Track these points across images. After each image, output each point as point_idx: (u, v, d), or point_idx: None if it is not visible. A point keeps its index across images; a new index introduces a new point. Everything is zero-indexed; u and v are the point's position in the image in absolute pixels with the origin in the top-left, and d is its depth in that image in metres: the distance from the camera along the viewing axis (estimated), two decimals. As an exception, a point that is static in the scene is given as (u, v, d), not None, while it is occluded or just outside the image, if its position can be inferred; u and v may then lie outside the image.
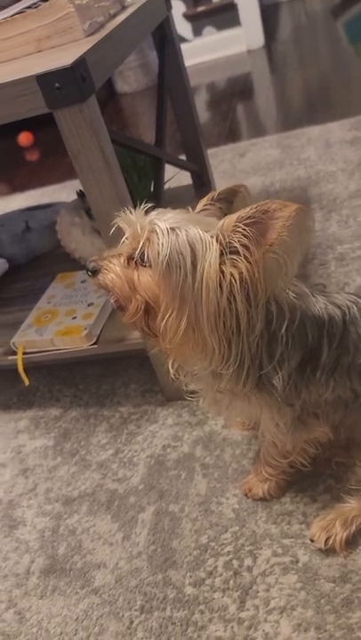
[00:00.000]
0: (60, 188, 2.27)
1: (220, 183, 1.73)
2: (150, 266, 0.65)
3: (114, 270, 0.69)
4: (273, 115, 2.34)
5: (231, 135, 2.28)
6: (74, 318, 1.13)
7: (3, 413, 1.28)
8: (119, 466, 1.07)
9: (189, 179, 1.56)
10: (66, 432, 1.19)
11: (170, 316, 0.65)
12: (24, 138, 2.87)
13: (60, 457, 1.13)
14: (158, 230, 0.63)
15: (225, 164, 2.02)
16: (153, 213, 0.67)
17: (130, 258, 0.68)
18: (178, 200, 1.40)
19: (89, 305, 1.16)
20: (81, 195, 1.33)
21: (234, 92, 2.73)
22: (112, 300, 0.72)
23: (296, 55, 2.92)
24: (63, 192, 2.19)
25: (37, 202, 2.02)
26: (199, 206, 0.73)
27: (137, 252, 0.66)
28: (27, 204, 1.82)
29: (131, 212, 0.68)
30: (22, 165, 2.73)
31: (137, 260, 0.66)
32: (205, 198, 0.73)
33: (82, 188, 1.17)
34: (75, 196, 1.37)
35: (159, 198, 1.22)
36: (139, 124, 2.84)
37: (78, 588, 0.90)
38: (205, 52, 3.24)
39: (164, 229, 0.63)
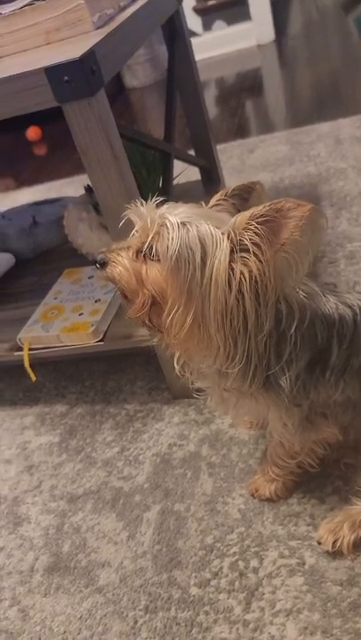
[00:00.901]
0: (67, 182, 2.27)
1: (229, 179, 1.72)
2: (159, 260, 0.64)
3: (122, 263, 0.68)
4: (282, 110, 2.32)
5: (240, 131, 2.27)
6: (80, 314, 1.12)
7: (9, 409, 1.28)
8: (125, 464, 1.06)
9: (198, 174, 1.54)
10: (71, 429, 1.18)
11: (176, 311, 0.64)
12: (32, 132, 2.86)
13: (66, 454, 1.13)
14: (168, 224, 0.62)
15: (234, 159, 2.01)
16: (164, 207, 0.66)
17: (138, 251, 0.67)
18: (186, 196, 1.38)
19: (96, 301, 1.15)
20: (89, 190, 1.32)
21: (243, 88, 2.71)
22: (119, 292, 0.72)
23: (306, 50, 2.89)
24: (71, 187, 2.18)
25: (45, 196, 2.02)
26: (212, 202, 0.72)
27: (145, 246, 0.65)
28: (34, 199, 1.81)
29: (142, 205, 0.67)
30: (30, 160, 2.72)
31: (145, 254, 0.65)
32: (219, 194, 0.72)
33: (90, 183, 1.16)
34: (82, 191, 1.36)
35: (168, 193, 1.21)
36: (148, 118, 2.82)
37: (82, 586, 0.89)
38: (215, 46, 3.21)
39: (175, 224, 0.62)
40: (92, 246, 1.26)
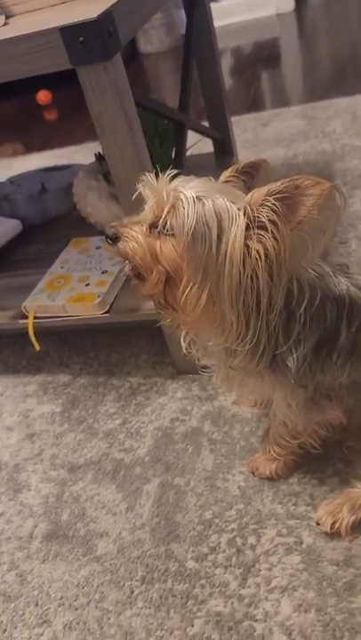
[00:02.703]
0: (77, 149, 2.23)
1: (243, 153, 1.68)
2: (174, 235, 0.62)
3: (135, 238, 0.66)
4: (299, 84, 2.26)
5: (255, 104, 2.22)
6: (87, 285, 1.11)
7: (12, 377, 1.28)
8: (126, 436, 1.07)
9: (211, 146, 1.51)
10: (74, 399, 1.18)
11: (191, 288, 0.63)
12: (43, 95, 2.80)
13: (68, 424, 1.13)
14: (184, 199, 0.61)
15: (247, 133, 1.97)
16: (177, 180, 0.64)
17: (152, 226, 0.65)
18: (198, 168, 1.35)
19: (103, 272, 1.13)
20: (99, 158, 1.29)
21: (260, 58, 2.64)
22: (127, 269, 0.70)
23: (327, 21, 2.82)
24: (81, 154, 2.14)
25: (54, 163, 1.99)
26: (222, 177, 0.70)
27: (161, 221, 0.63)
28: (43, 165, 1.78)
29: (154, 178, 0.65)
30: (40, 125, 2.67)
31: (160, 229, 0.64)
32: (229, 170, 0.70)
33: (101, 151, 1.13)
34: (93, 159, 1.33)
35: (181, 165, 1.18)
36: (161, 86, 2.76)
37: (80, 555, 0.90)
38: (233, 13, 3.12)
39: (190, 198, 0.60)
40: (101, 216, 1.24)
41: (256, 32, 2.98)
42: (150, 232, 0.65)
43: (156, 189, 0.64)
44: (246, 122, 2.04)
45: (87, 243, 1.25)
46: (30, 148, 2.43)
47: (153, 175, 0.66)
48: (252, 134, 1.95)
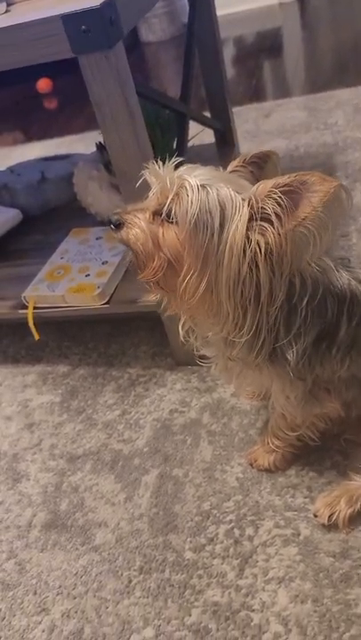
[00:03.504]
0: (78, 139, 2.22)
1: (244, 144, 1.67)
2: (177, 223, 0.62)
3: (138, 225, 0.66)
4: (301, 74, 2.25)
5: (256, 94, 2.20)
6: (87, 276, 1.11)
7: (11, 367, 1.28)
8: (125, 427, 1.07)
9: (212, 137, 1.50)
10: (73, 389, 1.18)
11: (191, 276, 0.62)
12: (43, 84, 2.78)
13: (67, 414, 1.13)
14: (188, 186, 0.60)
15: (249, 124, 1.96)
16: (182, 168, 0.64)
17: (155, 213, 0.65)
18: (199, 159, 1.35)
19: (103, 263, 1.13)
20: (100, 147, 1.28)
21: (262, 48, 2.62)
22: (130, 256, 0.70)
23: (330, 11, 2.79)
24: (81, 143, 2.13)
25: (54, 152, 1.98)
26: (230, 167, 0.70)
27: (165, 208, 0.63)
28: (43, 154, 1.77)
29: (159, 165, 0.65)
30: (40, 113, 2.65)
31: (163, 217, 0.63)
32: (237, 160, 0.70)
33: (101, 140, 1.13)
34: (93, 148, 1.33)
35: (182, 155, 1.17)
36: (163, 76, 2.74)
37: (79, 544, 0.91)
38: (236, 2, 3.09)
39: (195, 186, 0.60)
40: (101, 206, 1.24)
41: (258, 22, 2.96)
42: (154, 219, 0.65)
43: (161, 177, 0.64)
44: (248, 112, 2.03)
45: (87, 233, 1.25)
46: (30, 136, 2.41)
47: (159, 162, 0.66)
48: (254, 125, 1.94)
